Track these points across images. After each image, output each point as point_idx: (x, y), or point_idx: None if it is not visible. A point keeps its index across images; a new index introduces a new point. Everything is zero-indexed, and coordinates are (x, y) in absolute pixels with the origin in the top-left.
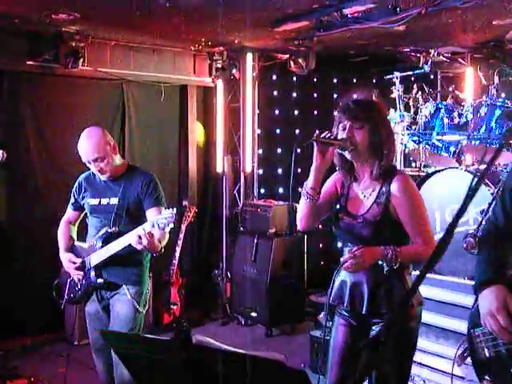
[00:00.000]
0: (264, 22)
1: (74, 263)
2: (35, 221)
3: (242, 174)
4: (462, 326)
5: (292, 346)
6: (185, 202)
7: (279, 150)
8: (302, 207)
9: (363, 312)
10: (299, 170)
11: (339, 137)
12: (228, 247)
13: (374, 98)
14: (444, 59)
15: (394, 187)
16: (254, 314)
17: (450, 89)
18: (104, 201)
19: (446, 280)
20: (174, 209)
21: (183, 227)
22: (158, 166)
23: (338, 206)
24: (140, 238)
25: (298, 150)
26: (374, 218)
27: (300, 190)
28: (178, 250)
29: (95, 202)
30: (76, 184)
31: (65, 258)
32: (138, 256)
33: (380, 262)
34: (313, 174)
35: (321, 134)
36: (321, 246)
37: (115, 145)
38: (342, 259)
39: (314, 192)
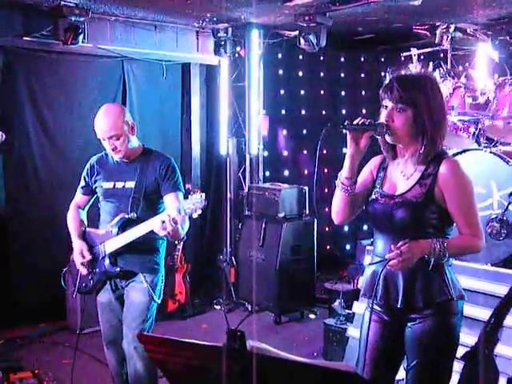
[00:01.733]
0: None
1: (84, 257)
2: (34, 206)
3: (247, 156)
4: (485, 314)
5: (302, 334)
6: (188, 185)
7: (285, 132)
8: (337, 199)
9: (398, 306)
10: (305, 152)
11: (381, 118)
12: (233, 231)
13: (425, 73)
14: (462, 35)
15: (444, 171)
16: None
17: (461, 67)
18: (119, 184)
19: (468, 266)
20: (203, 194)
21: None
22: (160, 148)
23: (372, 188)
24: (164, 223)
25: (304, 131)
26: (415, 199)
27: (306, 172)
28: None
29: (109, 185)
30: (87, 166)
31: (77, 246)
32: (154, 242)
33: (426, 257)
34: (347, 162)
35: (353, 122)
36: (327, 229)
37: (133, 125)
38: (386, 256)
39: (349, 182)
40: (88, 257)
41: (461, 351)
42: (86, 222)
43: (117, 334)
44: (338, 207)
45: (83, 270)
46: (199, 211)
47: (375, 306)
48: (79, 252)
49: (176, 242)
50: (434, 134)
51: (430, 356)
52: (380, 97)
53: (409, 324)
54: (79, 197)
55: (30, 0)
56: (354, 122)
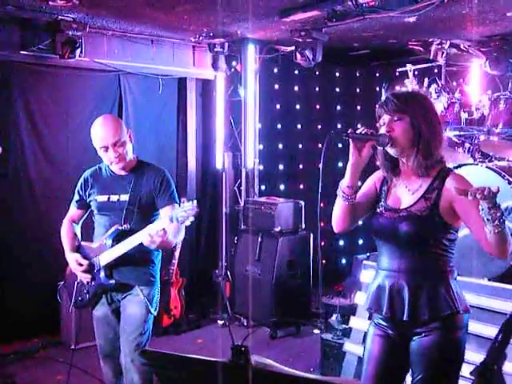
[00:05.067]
0: (272, 11)
1: (81, 265)
2: (28, 220)
3: (243, 170)
4: (481, 329)
5: (298, 349)
6: (183, 199)
7: (280, 146)
8: (338, 208)
9: (404, 319)
10: (301, 166)
11: (381, 131)
12: (228, 246)
13: (415, 89)
14: (456, 51)
15: (450, 186)
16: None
17: (455, 83)
18: (114, 197)
19: (464, 281)
20: (195, 201)
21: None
22: (155, 162)
23: (376, 203)
24: (151, 236)
25: (300, 146)
26: (419, 213)
27: (302, 187)
28: (178, 248)
29: (103, 198)
30: (81, 180)
31: (72, 258)
32: (149, 255)
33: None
34: (349, 171)
35: (356, 131)
36: (322, 244)
37: (131, 134)
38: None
39: (350, 191)
40: (85, 262)
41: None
42: (79, 237)
43: (113, 347)
44: (338, 216)
45: (87, 278)
46: (192, 218)
47: (380, 321)
48: (75, 262)
49: (172, 255)
50: (430, 138)
51: (435, 370)
52: (377, 115)
53: (414, 338)
54: (74, 211)
55: (27, 14)
56: (357, 131)
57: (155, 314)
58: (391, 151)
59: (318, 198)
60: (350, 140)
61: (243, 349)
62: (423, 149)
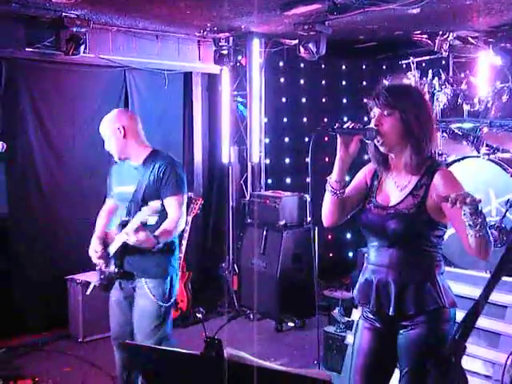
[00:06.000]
0: (273, 5)
1: (96, 252)
2: (36, 215)
3: (249, 164)
4: (482, 322)
5: (303, 342)
6: (190, 194)
7: (286, 139)
8: (327, 202)
9: (390, 313)
10: (307, 159)
11: (371, 124)
12: (235, 239)
13: (409, 82)
14: (461, 43)
15: (437, 181)
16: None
17: (462, 75)
18: (125, 188)
19: (466, 274)
20: (157, 201)
21: (189, 219)
22: None
23: (366, 197)
24: (128, 235)
25: (306, 139)
26: (407, 210)
27: (308, 180)
28: (184, 242)
29: (118, 189)
30: (109, 172)
31: (92, 245)
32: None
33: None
34: (337, 166)
35: (343, 125)
36: (329, 237)
37: (129, 128)
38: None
39: (338, 185)
40: (99, 250)
41: None
42: (108, 224)
43: (123, 331)
44: (327, 210)
45: (100, 263)
46: (150, 218)
47: (368, 314)
48: (93, 249)
49: (179, 251)
50: (420, 135)
51: (421, 363)
52: (368, 107)
53: (401, 331)
54: (107, 202)
55: (32, 11)
56: (344, 126)
57: (166, 305)
58: (381, 148)
59: (320, 191)
60: (338, 135)
61: (216, 341)
62: (413, 145)
